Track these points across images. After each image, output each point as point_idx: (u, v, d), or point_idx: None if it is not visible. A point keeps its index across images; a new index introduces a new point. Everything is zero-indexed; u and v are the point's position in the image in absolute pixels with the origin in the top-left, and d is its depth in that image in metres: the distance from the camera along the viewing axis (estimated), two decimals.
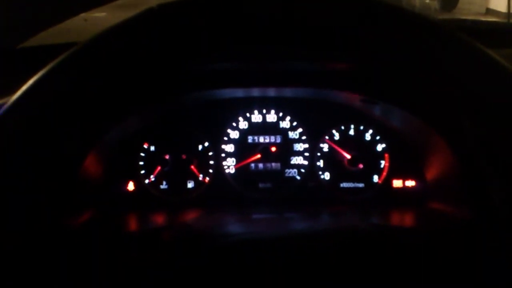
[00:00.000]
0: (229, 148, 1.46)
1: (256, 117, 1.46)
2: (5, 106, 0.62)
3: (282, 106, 1.46)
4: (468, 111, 0.63)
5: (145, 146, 1.43)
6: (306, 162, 1.46)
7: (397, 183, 1.44)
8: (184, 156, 1.44)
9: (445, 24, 0.63)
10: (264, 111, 1.46)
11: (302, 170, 1.47)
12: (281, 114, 1.46)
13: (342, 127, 1.45)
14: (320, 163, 1.46)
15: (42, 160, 0.64)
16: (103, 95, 0.64)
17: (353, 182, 1.46)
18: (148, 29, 0.63)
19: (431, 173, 1.34)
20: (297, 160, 1.47)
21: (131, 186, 1.42)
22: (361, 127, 1.44)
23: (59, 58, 0.63)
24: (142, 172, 1.43)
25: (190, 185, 1.45)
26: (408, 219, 1.33)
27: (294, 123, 1.46)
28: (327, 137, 1.45)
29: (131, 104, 1.10)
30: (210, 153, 1.45)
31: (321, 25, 0.63)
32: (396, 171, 1.44)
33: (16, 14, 1.20)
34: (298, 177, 1.47)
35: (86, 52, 0.63)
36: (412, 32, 0.62)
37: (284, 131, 1.47)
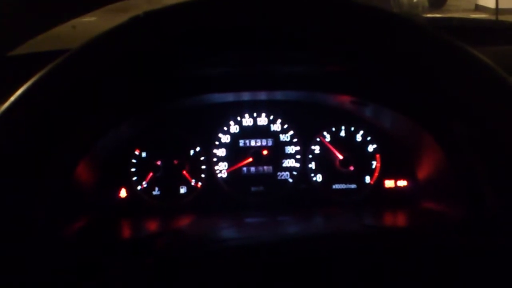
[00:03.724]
0: (221, 152, 1.46)
1: (247, 121, 1.47)
2: None
3: (272, 109, 1.46)
4: (458, 111, 0.64)
5: (137, 152, 1.43)
6: (298, 165, 1.47)
7: (389, 183, 1.44)
8: (175, 162, 1.44)
9: (430, 25, 0.63)
10: (255, 114, 1.47)
11: (294, 173, 1.47)
12: (272, 117, 1.47)
13: (333, 129, 1.45)
14: (312, 165, 1.46)
15: (35, 168, 0.64)
16: (93, 104, 0.64)
17: (345, 183, 1.46)
18: (134, 37, 0.63)
19: (423, 173, 1.35)
20: (289, 162, 1.47)
21: (123, 193, 1.42)
22: (352, 128, 1.45)
23: (47, 68, 0.63)
24: (134, 178, 1.43)
25: (182, 190, 1.45)
26: (401, 219, 1.33)
27: (285, 126, 1.47)
28: (318, 139, 1.45)
29: (122, 112, 1.10)
30: (202, 158, 1.45)
31: (306, 29, 0.63)
32: (387, 172, 1.44)
33: (4, 22, 1.19)
34: (290, 180, 1.47)
35: (73, 61, 0.63)
36: (397, 34, 0.62)
37: (275, 134, 1.47)
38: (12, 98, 0.62)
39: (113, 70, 0.63)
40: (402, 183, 1.44)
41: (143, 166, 1.43)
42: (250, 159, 1.45)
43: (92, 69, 0.63)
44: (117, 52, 0.63)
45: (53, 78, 0.62)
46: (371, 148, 1.45)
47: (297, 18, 0.63)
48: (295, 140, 1.47)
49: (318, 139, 1.46)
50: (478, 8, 9.68)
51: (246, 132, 1.47)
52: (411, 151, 1.37)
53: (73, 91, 0.63)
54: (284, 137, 1.47)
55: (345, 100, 1.35)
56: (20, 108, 0.62)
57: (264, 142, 1.47)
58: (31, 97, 0.62)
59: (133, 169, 1.43)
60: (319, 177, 1.46)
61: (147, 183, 1.43)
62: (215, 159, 1.46)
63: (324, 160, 1.46)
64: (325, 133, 1.45)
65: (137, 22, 0.64)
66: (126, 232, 1.30)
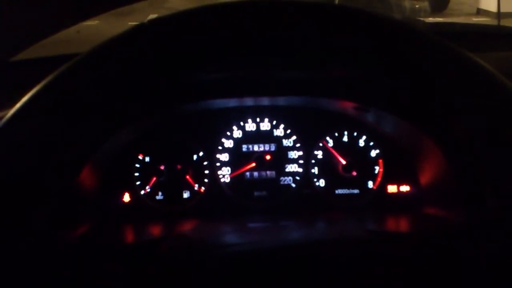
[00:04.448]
0: (224, 157, 1.46)
1: (250, 126, 1.47)
2: (2, 121, 0.63)
3: (275, 115, 1.46)
4: (459, 117, 0.64)
5: (140, 157, 1.43)
6: (301, 170, 1.47)
7: (391, 189, 1.44)
8: (179, 166, 1.44)
9: (432, 31, 0.64)
10: (258, 119, 1.47)
11: (297, 178, 1.47)
12: (275, 122, 1.47)
13: (336, 134, 1.45)
14: (315, 170, 1.46)
15: (38, 173, 0.64)
16: (97, 109, 0.65)
17: (348, 188, 1.46)
18: (139, 44, 0.64)
19: (425, 178, 1.35)
20: (292, 167, 1.47)
21: (126, 198, 1.42)
22: (355, 134, 1.45)
23: (53, 74, 0.63)
24: (138, 183, 1.43)
25: (185, 195, 1.45)
26: (403, 225, 1.33)
27: (288, 131, 1.47)
28: (321, 144, 1.46)
29: (126, 117, 1.10)
30: (205, 163, 1.45)
31: (306, 36, 0.63)
32: (390, 177, 1.44)
33: (8, 26, 1.20)
34: (293, 185, 1.47)
35: (79, 68, 0.64)
36: (397, 40, 0.63)
37: (278, 139, 1.47)
38: (19, 104, 0.63)
39: (117, 77, 0.64)
40: (405, 188, 1.44)
41: (147, 171, 1.43)
42: (253, 164, 1.46)
43: (96, 75, 0.63)
44: (121, 59, 0.63)
45: (58, 84, 0.63)
46: (374, 153, 1.45)
47: (297, 25, 0.63)
48: (298, 145, 1.47)
49: (321, 144, 1.46)
50: (480, 12, 9.68)
51: (249, 137, 1.47)
52: (413, 156, 1.37)
53: (78, 97, 0.63)
54: (287, 142, 1.47)
55: (347, 105, 1.35)
56: (26, 113, 0.63)
57: (267, 147, 1.47)
58: (37, 102, 0.62)
59: (136, 174, 1.43)
60: (322, 182, 1.47)
61: (151, 188, 1.43)
62: (218, 164, 1.46)
63: (327, 165, 1.46)
64: (328, 138, 1.46)
65: (141, 30, 0.64)
66: (129, 236, 1.30)
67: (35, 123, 0.62)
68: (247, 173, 1.47)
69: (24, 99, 0.63)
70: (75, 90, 0.63)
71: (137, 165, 1.43)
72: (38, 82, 0.64)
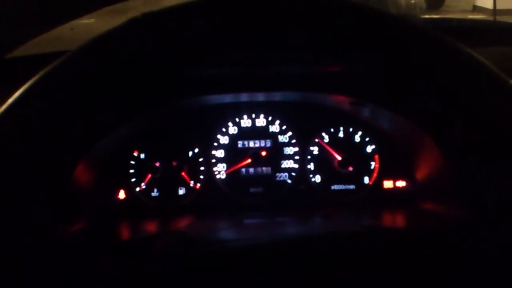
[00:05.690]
0: (219, 153, 1.46)
1: (246, 122, 1.46)
2: None
3: (271, 110, 1.46)
4: (457, 112, 0.63)
5: (135, 154, 1.42)
6: (296, 166, 1.46)
7: (387, 184, 1.45)
8: (174, 163, 1.43)
9: (426, 26, 0.63)
10: (254, 115, 1.47)
11: (293, 174, 1.47)
12: (270, 118, 1.47)
13: (332, 130, 1.45)
14: (311, 166, 1.46)
15: (32, 169, 0.64)
16: (91, 105, 0.64)
17: (344, 184, 1.46)
18: (132, 39, 0.63)
19: (421, 173, 1.35)
20: (287, 163, 1.47)
21: (122, 195, 1.42)
22: (351, 129, 1.45)
23: (46, 69, 0.63)
24: (133, 180, 1.43)
25: (181, 191, 1.45)
26: (399, 220, 1.33)
27: (284, 127, 1.47)
28: (317, 140, 1.45)
29: (120, 114, 1.09)
30: (201, 159, 1.45)
31: (302, 29, 0.63)
32: (386, 172, 1.44)
33: (2, 24, 1.19)
34: (289, 181, 1.47)
35: (71, 63, 0.63)
36: (393, 35, 0.62)
37: (274, 135, 1.47)
38: (11, 99, 0.62)
39: (111, 72, 0.63)
40: (400, 183, 1.44)
41: (142, 168, 1.43)
42: (249, 160, 1.45)
43: (90, 71, 0.63)
44: (114, 54, 0.63)
45: (52, 80, 0.62)
46: (369, 148, 1.45)
47: (291, 18, 0.63)
48: (293, 141, 1.47)
49: (316, 140, 1.46)
50: (476, 9, 9.67)
51: (245, 133, 1.47)
52: (409, 152, 1.37)
53: (72, 93, 0.63)
54: (282, 138, 1.47)
55: (343, 100, 1.35)
56: (19, 109, 0.62)
57: (262, 143, 1.47)
58: (31, 98, 0.62)
59: (131, 171, 1.43)
60: (317, 178, 1.46)
61: (146, 185, 1.43)
62: (213, 160, 1.46)
63: (323, 161, 1.46)
64: (323, 134, 1.45)
65: (135, 23, 0.64)
66: (125, 233, 1.29)
67: (27, 118, 0.62)
68: (243, 169, 1.47)
69: (17, 94, 0.62)
70: (68, 86, 0.62)
71: (132, 162, 1.43)
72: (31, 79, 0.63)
